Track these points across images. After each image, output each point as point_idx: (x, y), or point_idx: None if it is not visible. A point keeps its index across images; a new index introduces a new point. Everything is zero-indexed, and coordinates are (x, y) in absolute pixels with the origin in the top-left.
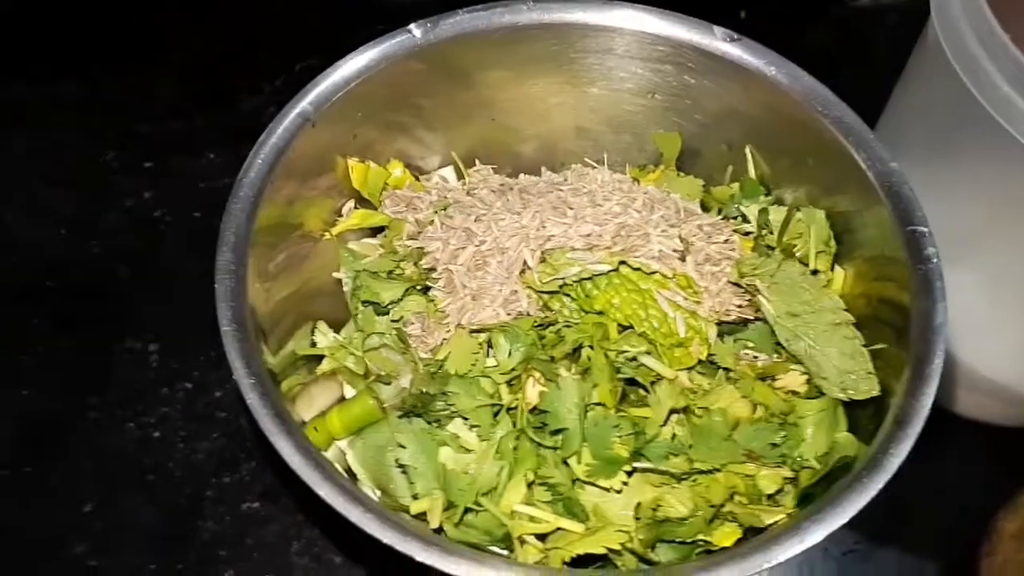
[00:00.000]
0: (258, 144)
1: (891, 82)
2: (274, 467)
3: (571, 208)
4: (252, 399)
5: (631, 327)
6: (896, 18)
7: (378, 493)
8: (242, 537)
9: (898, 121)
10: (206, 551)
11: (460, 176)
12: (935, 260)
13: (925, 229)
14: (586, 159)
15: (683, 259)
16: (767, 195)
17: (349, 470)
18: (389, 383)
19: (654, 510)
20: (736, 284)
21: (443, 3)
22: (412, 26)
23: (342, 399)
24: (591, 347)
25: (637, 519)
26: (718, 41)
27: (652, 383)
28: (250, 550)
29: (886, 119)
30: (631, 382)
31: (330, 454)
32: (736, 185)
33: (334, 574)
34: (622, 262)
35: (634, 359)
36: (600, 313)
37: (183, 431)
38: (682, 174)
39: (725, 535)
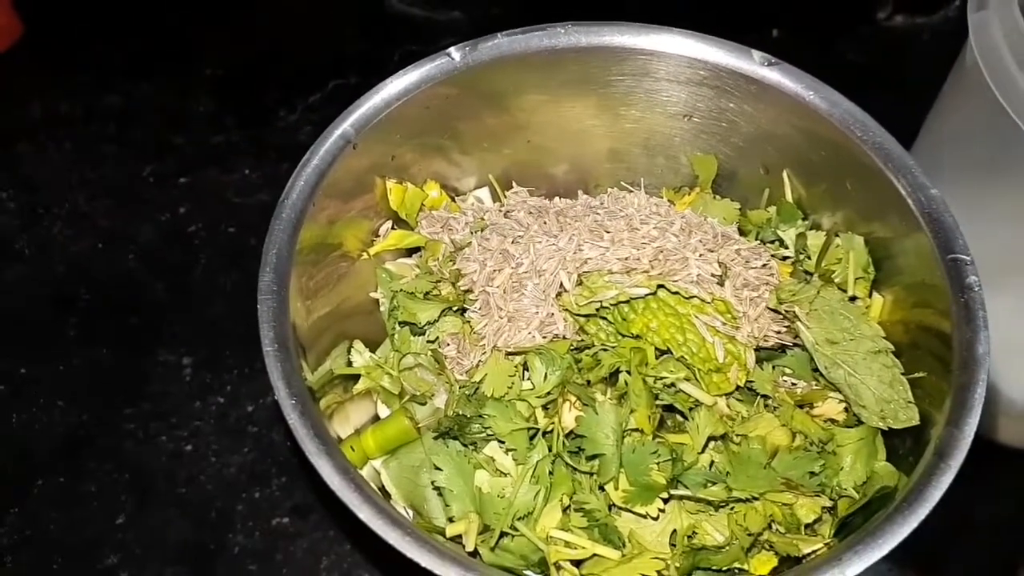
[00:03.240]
0: (300, 166)
1: (925, 101)
2: (305, 483)
3: (608, 231)
4: (293, 419)
5: (668, 351)
6: (930, 36)
7: (411, 513)
8: (272, 552)
9: (934, 145)
10: (236, 565)
11: (495, 197)
12: (977, 289)
13: (967, 257)
14: (622, 182)
15: (721, 284)
16: (804, 219)
17: (383, 489)
18: (424, 403)
19: (690, 537)
20: (775, 310)
21: (474, 23)
22: (452, 49)
23: (376, 417)
24: (628, 372)
25: (673, 546)
26: (756, 65)
27: (690, 409)
28: (279, 565)
29: (922, 142)
30: (668, 408)
31: (364, 473)
32: (773, 209)
33: None
34: (660, 286)
35: (672, 385)
36: (637, 337)
37: (215, 445)
38: (718, 197)
39: (761, 563)
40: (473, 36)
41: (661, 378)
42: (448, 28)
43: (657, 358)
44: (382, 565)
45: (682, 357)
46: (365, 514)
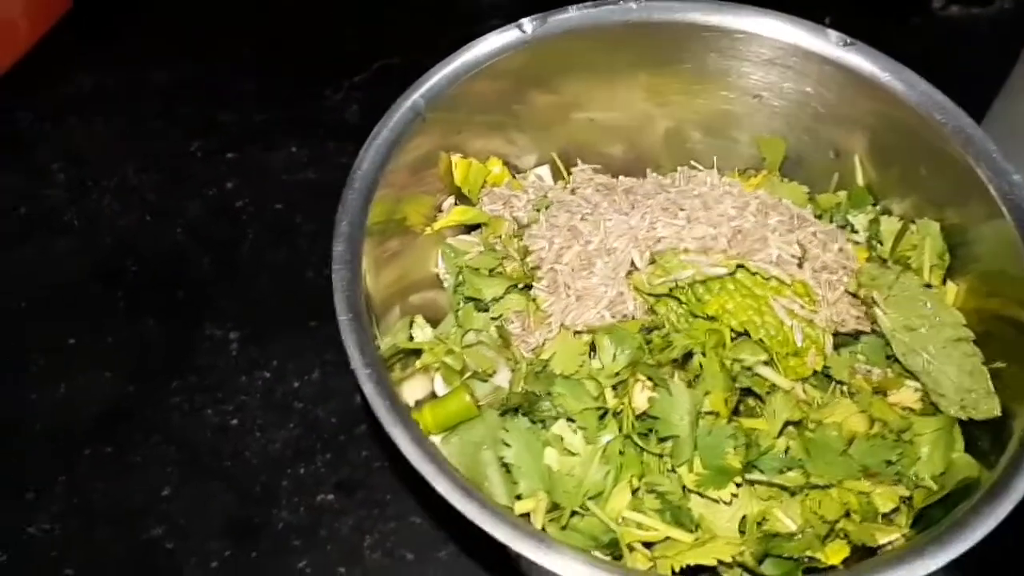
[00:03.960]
0: (371, 136)
1: (980, 95)
2: (351, 460)
3: (682, 209)
4: (369, 388)
5: (744, 334)
6: (987, 28)
7: None
8: (316, 528)
9: (1000, 134)
10: (280, 540)
11: (556, 176)
12: None
13: None
14: (692, 162)
15: (800, 266)
16: (874, 205)
17: None
18: (485, 380)
19: (760, 524)
20: (852, 294)
21: (519, 4)
22: (524, 21)
23: (433, 395)
24: (703, 354)
25: (742, 532)
26: (832, 45)
27: (767, 393)
28: (323, 542)
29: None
30: (742, 391)
31: None
32: (843, 194)
33: (406, 571)
34: (740, 266)
35: (748, 368)
36: (711, 318)
37: (260, 420)
38: (786, 180)
39: (834, 552)
40: (517, 17)
41: (739, 360)
42: (493, 10)
43: (732, 340)
44: (426, 545)
45: (760, 340)
46: (443, 486)
